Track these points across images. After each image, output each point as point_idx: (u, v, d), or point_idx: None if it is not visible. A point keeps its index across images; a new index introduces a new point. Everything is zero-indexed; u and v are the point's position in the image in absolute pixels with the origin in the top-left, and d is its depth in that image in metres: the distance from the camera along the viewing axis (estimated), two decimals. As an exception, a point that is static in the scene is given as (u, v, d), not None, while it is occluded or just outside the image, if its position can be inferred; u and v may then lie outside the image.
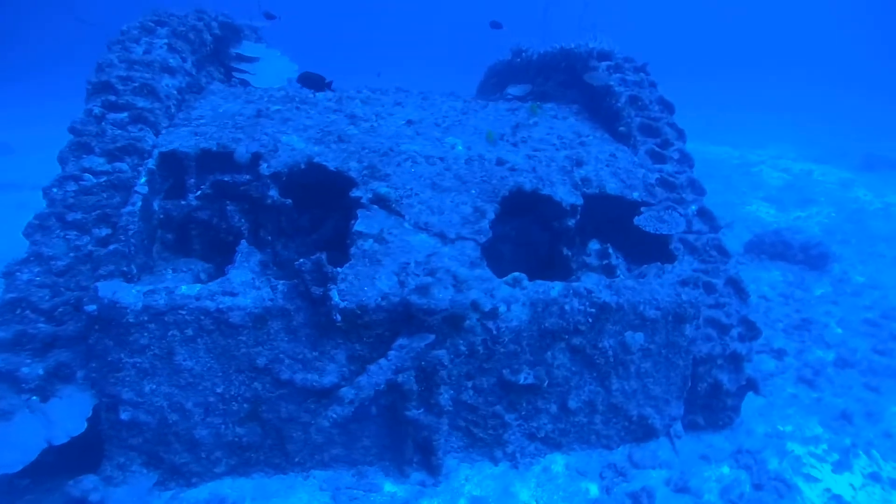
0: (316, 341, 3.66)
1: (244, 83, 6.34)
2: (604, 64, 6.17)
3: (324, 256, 3.55)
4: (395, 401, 3.77)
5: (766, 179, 13.08)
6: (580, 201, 4.66)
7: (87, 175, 4.22)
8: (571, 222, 4.65)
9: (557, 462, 4.15)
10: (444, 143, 5.06)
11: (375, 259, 3.89)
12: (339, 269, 3.73)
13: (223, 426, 3.65)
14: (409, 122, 5.38)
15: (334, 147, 4.75)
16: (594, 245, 4.78)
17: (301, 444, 3.81)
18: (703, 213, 5.04)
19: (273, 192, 4.46)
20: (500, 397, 3.99)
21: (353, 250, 3.93)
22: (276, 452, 3.81)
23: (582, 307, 3.92)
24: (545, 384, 3.96)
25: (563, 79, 6.94)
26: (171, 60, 5.10)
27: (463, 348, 3.80)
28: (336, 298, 3.48)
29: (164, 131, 4.65)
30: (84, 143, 4.35)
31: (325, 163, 4.56)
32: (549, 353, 3.96)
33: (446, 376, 3.72)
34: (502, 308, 3.78)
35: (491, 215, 4.38)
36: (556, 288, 3.95)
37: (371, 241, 4.02)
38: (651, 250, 4.69)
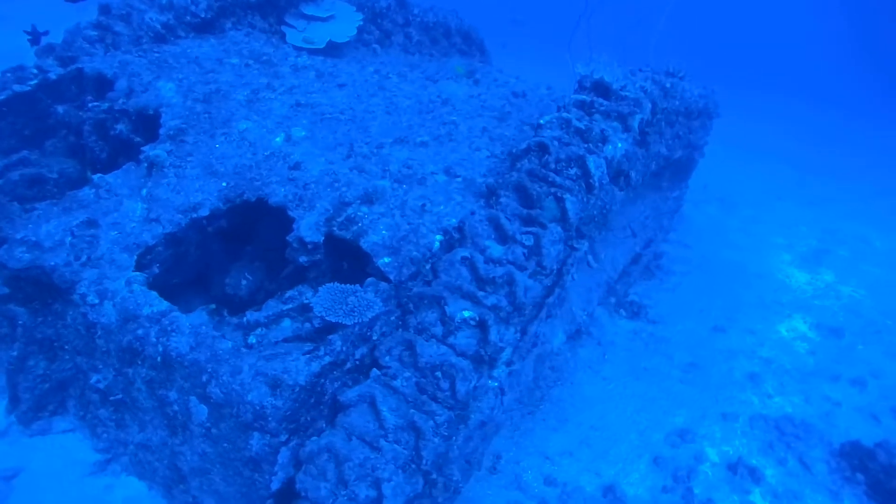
0: None
1: (282, 36, 6.74)
2: (573, 97, 4.50)
3: None
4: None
5: None
6: (319, 239, 3.76)
7: (34, 69, 5.37)
8: (303, 259, 3.81)
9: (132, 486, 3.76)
10: (280, 133, 4.60)
11: (70, 210, 4.01)
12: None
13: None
14: (298, 105, 5.02)
15: (189, 104, 4.85)
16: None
17: None
18: (484, 329, 3.46)
19: (120, 126, 4.89)
20: (96, 390, 3.78)
21: (68, 194, 4.12)
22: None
23: (156, 340, 3.33)
24: (118, 398, 3.58)
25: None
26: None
27: (70, 320, 3.71)
28: None
29: (110, 53, 5.48)
30: (53, 46, 5.50)
31: (162, 114, 4.73)
32: (131, 371, 3.53)
33: (21, 333, 3.73)
34: (92, 298, 3.52)
35: (198, 212, 3.95)
36: (153, 307, 3.43)
37: (92, 193, 4.14)
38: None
